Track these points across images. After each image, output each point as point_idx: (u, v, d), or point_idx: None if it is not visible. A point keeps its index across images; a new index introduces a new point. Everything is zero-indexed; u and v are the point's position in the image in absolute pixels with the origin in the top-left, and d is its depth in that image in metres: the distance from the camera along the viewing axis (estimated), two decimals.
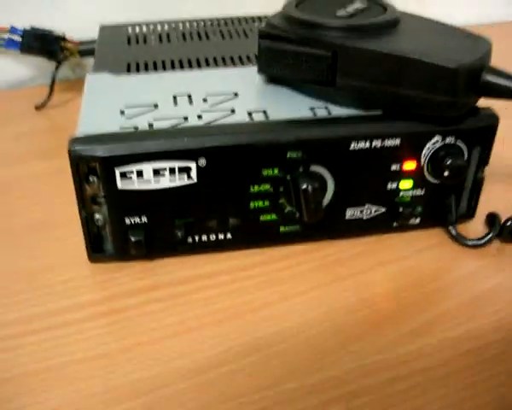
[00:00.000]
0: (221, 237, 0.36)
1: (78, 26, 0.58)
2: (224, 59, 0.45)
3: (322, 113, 0.36)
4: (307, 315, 0.33)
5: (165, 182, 0.33)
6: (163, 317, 0.33)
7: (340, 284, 0.35)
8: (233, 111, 0.36)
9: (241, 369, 0.30)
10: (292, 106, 0.36)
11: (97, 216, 0.34)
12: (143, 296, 0.34)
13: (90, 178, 0.33)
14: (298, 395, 0.29)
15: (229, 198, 0.35)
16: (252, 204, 0.35)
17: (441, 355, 0.31)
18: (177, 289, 0.35)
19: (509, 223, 0.38)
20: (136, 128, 0.34)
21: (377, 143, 0.34)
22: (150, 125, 0.34)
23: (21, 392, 0.29)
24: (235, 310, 0.33)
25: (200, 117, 0.35)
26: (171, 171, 0.33)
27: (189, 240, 0.36)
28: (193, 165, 0.33)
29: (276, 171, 0.34)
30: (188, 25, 0.54)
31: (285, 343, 0.31)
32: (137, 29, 0.53)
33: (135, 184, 0.33)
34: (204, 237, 0.36)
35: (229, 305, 0.34)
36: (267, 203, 0.35)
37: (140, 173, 0.32)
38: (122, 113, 0.35)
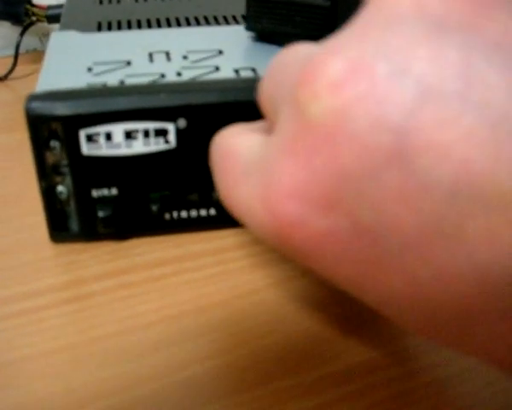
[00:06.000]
0: (203, 213, 0.32)
1: None
2: (206, 18, 0.40)
3: None
4: (304, 301, 0.29)
5: (139, 147, 0.28)
6: (136, 304, 0.28)
7: None
8: (217, 68, 0.31)
9: (227, 364, 0.26)
10: None
11: (60, 188, 0.30)
12: (113, 281, 0.30)
13: (52, 144, 0.28)
14: (294, 395, 0.24)
15: None
16: None
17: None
18: (152, 273, 0.30)
19: None
20: (104, 85, 0.29)
21: None
22: (121, 82, 0.29)
23: None
24: (220, 296, 0.29)
25: (179, 74, 0.30)
26: (146, 133, 0.28)
27: (167, 216, 0.31)
28: (171, 126, 0.28)
29: None
30: None
31: (279, 334, 0.27)
32: None
33: (103, 149, 0.28)
34: (183, 213, 0.32)
35: (213, 290, 0.29)
36: None
37: (109, 136, 0.28)
38: (89, 70, 0.31)
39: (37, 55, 0.56)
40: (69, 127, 0.27)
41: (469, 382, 0.25)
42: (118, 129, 0.28)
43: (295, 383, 0.25)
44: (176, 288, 0.29)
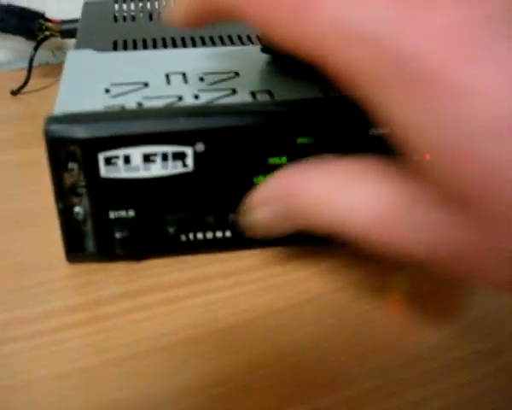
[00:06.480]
0: (219, 234, 0.32)
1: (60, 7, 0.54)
2: (221, 38, 0.40)
3: (335, 94, 0.31)
4: (319, 324, 0.29)
5: (157, 170, 0.28)
6: (152, 326, 0.28)
7: (354, 290, 0.31)
8: (234, 91, 0.31)
9: (244, 388, 0.26)
10: (300, 87, 0.32)
11: (77, 209, 0.30)
12: (129, 302, 0.30)
13: (70, 165, 0.28)
14: None
15: (230, 190, 0.30)
16: None
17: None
18: (168, 295, 0.30)
19: None
20: (122, 107, 0.29)
21: None
22: (139, 105, 0.29)
23: None
24: (236, 319, 0.29)
25: (196, 97, 0.30)
26: (164, 157, 0.28)
27: (183, 238, 0.31)
28: (189, 150, 0.28)
29: (283, 159, 0.30)
30: None
31: (295, 357, 0.27)
32: (125, 6, 0.48)
33: (121, 172, 0.28)
34: (199, 235, 0.32)
35: (229, 313, 0.29)
36: None
37: (127, 159, 0.28)
38: (107, 91, 0.31)
39: (50, 69, 0.56)
40: (88, 150, 0.28)
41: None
42: (136, 152, 0.28)
43: (312, 407, 0.25)
44: (192, 310, 0.29)
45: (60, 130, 0.27)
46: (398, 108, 0.18)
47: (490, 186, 0.17)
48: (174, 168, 0.29)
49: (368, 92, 0.19)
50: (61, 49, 0.59)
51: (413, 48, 0.17)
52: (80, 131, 0.27)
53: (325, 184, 0.23)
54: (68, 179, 0.29)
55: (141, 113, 0.28)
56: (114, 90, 0.31)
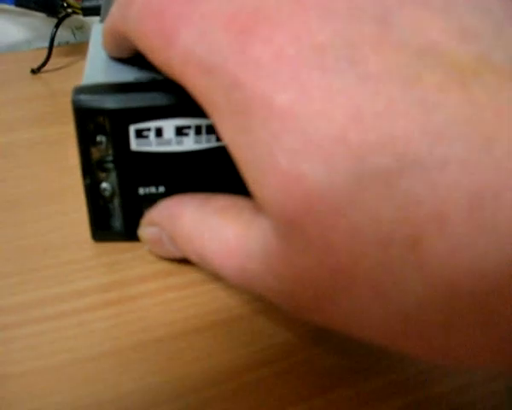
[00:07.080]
0: None
1: None
2: None
3: None
4: None
5: (190, 143, 0.27)
6: (184, 307, 0.27)
7: None
8: None
9: (280, 372, 0.24)
10: None
11: (104, 185, 0.28)
12: (159, 282, 0.28)
13: (98, 138, 0.27)
14: (352, 405, 0.23)
15: None
16: None
17: None
18: (200, 275, 0.29)
19: None
20: (154, 78, 0.28)
21: None
22: None
23: (11, 397, 0.23)
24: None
25: None
26: (197, 130, 0.27)
27: None
28: None
29: None
30: None
31: (331, 342, 0.26)
32: None
33: (152, 146, 0.27)
34: None
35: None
36: None
37: (159, 132, 0.27)
38: (136, 62, 0.29)
39: (70, 49, 0.55)
40: (118, 122, 0.26)
41: None
42: (169, 125, 0.26)
43: (351, 393, 0.24)
44: (225, 291, 0.28)
45: (88, 100, 0.26)
46: (223, 130, 0.20)
47: (298, 202, 0.17)
48: (208, 142, 0.27)
49: (209, 116, 0.21)
50: (81, 29, 0.58)
51: (236, 76, 0.18)
52: (110, 102, 0.26)
53: (194, 213, 0.25)
54: (96, 153, 0.28)
55: (173, 84, 0.27)
56: (143, 62, 0.29)
